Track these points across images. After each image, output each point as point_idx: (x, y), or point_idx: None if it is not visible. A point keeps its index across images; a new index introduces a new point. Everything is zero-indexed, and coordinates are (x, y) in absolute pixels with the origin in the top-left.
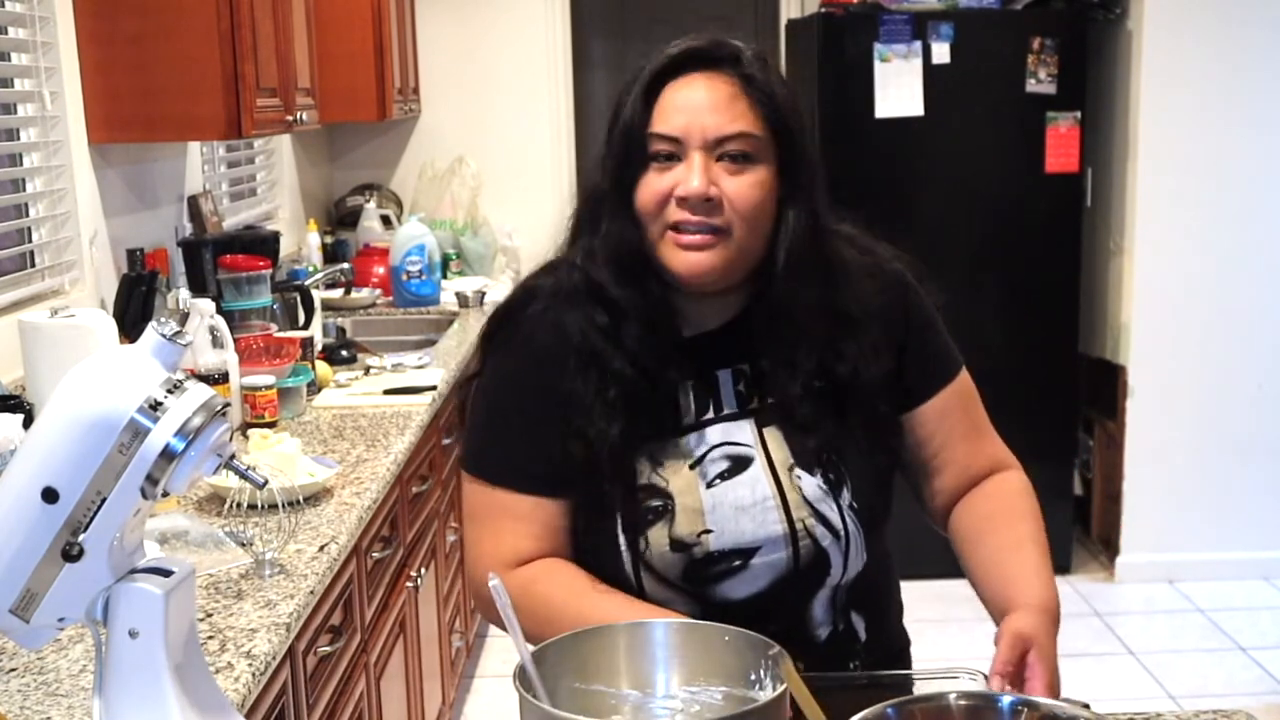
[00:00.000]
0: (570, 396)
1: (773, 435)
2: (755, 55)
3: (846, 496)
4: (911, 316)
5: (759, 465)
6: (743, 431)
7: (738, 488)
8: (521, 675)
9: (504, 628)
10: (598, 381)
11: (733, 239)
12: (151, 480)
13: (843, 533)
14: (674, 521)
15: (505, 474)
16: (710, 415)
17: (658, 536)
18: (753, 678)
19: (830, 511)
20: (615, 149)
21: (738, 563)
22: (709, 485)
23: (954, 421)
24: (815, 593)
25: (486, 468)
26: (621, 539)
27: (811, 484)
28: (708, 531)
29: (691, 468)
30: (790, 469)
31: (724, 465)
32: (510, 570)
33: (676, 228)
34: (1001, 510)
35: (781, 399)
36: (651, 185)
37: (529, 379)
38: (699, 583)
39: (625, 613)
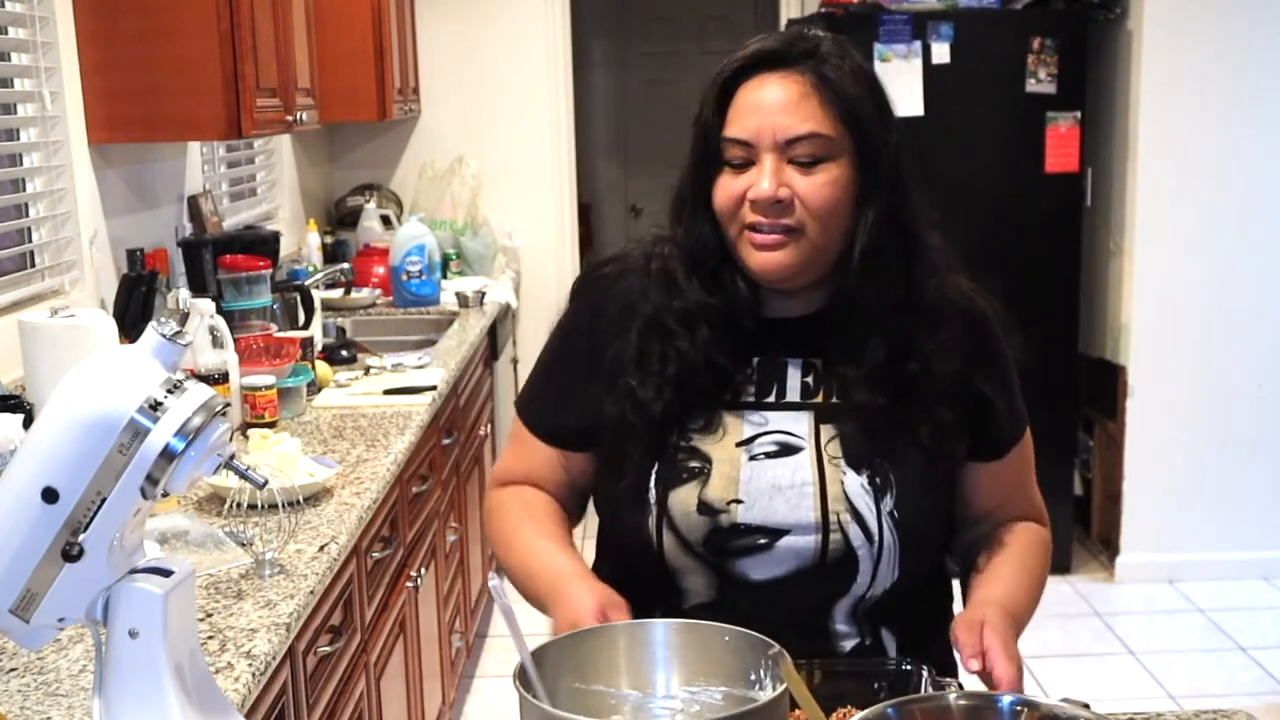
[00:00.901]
0: (619, 358)
1: (829, 432)
2: (835, 48)
3: (889, 503)
4: (997, 365)
5: (807, 455)
6: (799, 423)
7: (779, 468)
8: (521, 675)
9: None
10: (659, 354)
11: (806, 237)
12: (151, 480)
13: (877, 539)
14: (707, 484)
15: (534, 422)
16: (771, 399)
17: (687, 496)
18: (753, 678)
19: (868, 512)
20: (693, 151)
21: (763, 541)
22: (751, 459)
23: (1007, 482)
24: (839, 598)
25: (524, 411)
26: (652, 493)
27: (855, 481)
28: (738, 501)
29: (739, 445)
30: (837, 464)
31: (772, 449)
32: (500, 486)
33: (752, 228)
34: (1003, 540)
35: (845, 396)
36: (726, 188)
37: (582, 338)
38: (720, 554)
39: (550, 558)
